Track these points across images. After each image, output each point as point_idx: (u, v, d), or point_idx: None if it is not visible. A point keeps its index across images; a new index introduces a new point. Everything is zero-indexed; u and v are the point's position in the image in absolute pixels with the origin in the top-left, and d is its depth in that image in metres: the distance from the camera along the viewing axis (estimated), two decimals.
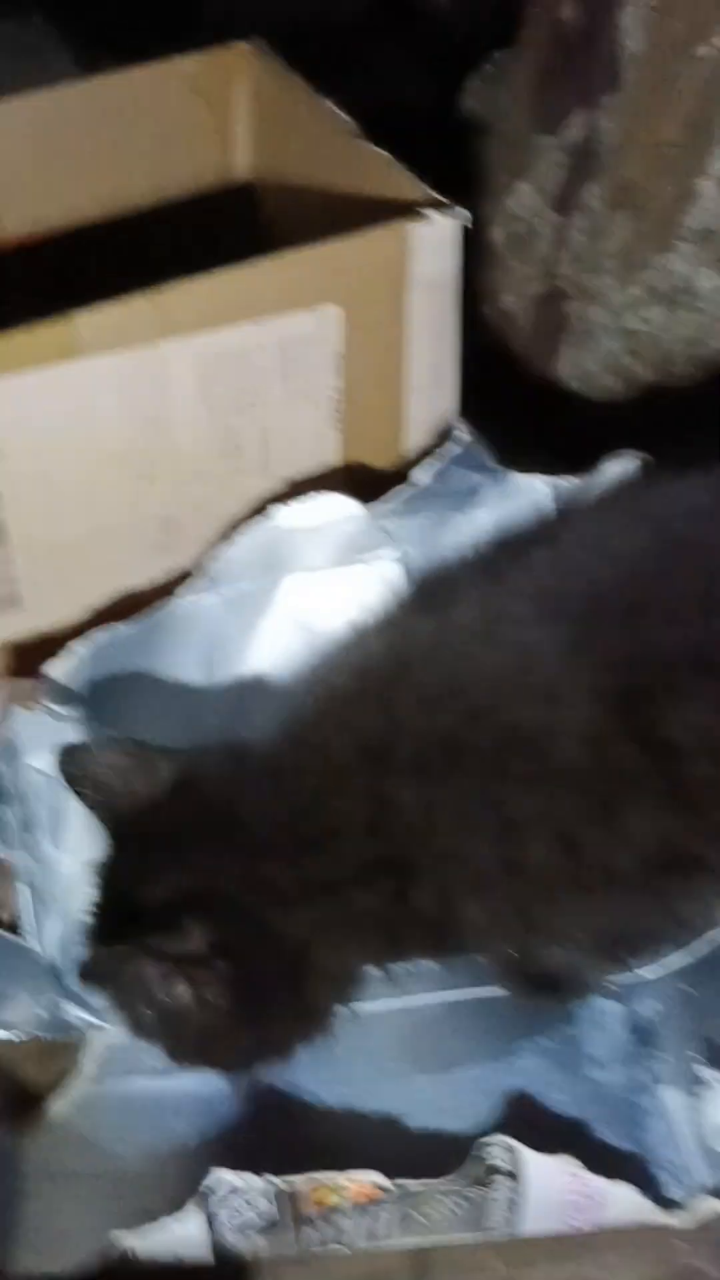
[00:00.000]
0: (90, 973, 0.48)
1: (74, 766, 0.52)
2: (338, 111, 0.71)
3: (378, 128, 0.72)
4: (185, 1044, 0.49)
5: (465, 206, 0.64)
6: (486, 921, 0.48)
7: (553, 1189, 0.47)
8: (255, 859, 0.48)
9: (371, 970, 0.51)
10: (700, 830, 0.47)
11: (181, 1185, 0.48)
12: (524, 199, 0.82)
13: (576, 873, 0.48)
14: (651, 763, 0.47)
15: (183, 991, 0.47)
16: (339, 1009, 0.50)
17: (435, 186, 0.65)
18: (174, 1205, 0.47)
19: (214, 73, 0.78)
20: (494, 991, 0.58)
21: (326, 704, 0.52)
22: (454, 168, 0.74)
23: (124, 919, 0.48)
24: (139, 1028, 0.49)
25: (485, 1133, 0.48)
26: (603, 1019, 0.57)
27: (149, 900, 0.48)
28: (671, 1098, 0.54)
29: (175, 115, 0.78)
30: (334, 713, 0.51)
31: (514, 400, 0.82)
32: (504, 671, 0.49)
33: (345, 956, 0.50)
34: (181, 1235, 0.46)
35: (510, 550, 0.56)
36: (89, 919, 0.50)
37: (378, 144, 0.69)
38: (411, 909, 0.48)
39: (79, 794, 0.52)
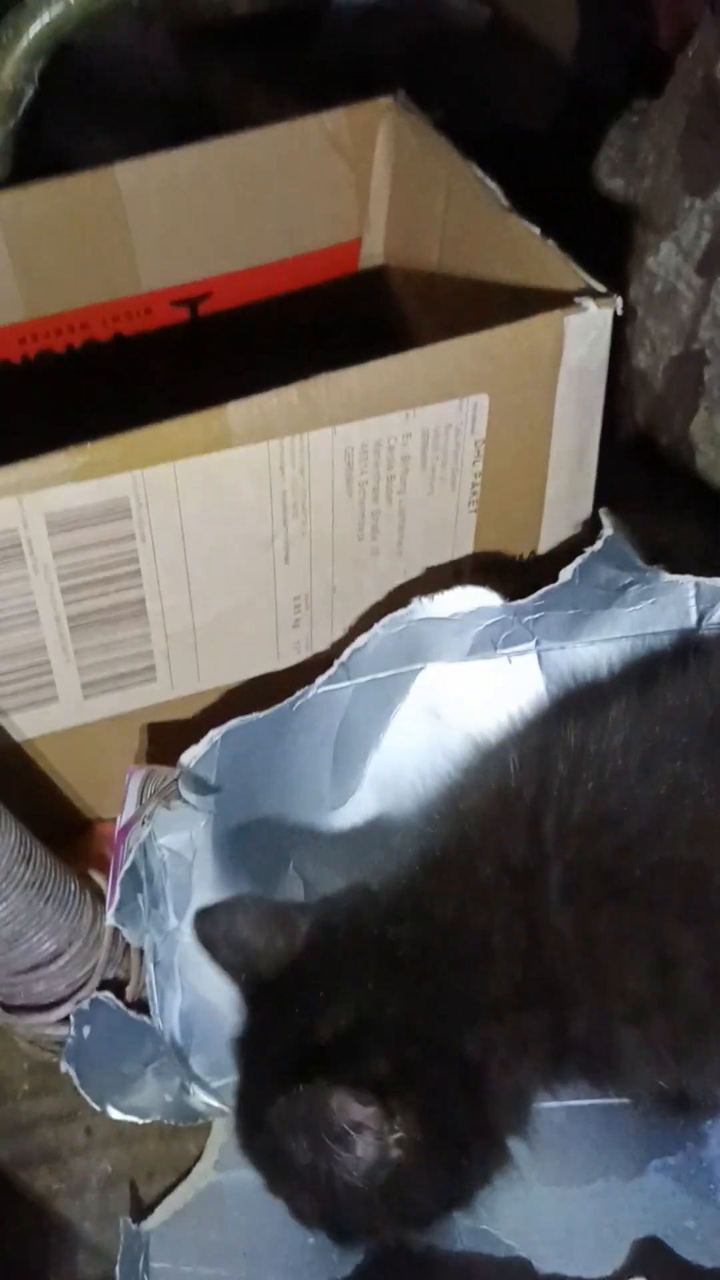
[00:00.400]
0: (278, 1122, 0.45)
1: (211, 929, 0.52)
2: (484, 178, 0.70)
3: (492, 154, 0.71)
4: (379, 1194, 0.46)
5: (595, 258, 0.63)
6: (642, 1052, 0.48)
7: None
8: (417, 985, 0.47)
9: (541, 1095, 0.50)
10: None
11: None
12: (665, 259, 0.80)
13: None
14: None
15: (384, 1126, 0.44)
16: (516, 1141, 0.49)
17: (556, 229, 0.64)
18: None
19: (356, 128, 0.77)
20: (619, 1100, 0.57)
21: (468, 826, 0.51)
22: (580, 214, 0.73)
23: (284, 1071, 0.46)
24: (327, 1191, 0.46)
25: (617, 1274, 0.47)
26: None
27: (317, 1039, 0.46)
28: None
29: (315, 172, 0.77)
30: (476, 836, 0.51)
31: (641, 460, 0.81)
32: (658, 803, 0.48)
33: (518, 1080, 0.48)
34: None
35: (660, 666, 0.55)
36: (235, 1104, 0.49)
37: (491, 173, 0.68)
38: (570, 1035, 0.47)
39: (214, 957, 0.52)
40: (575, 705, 0.55)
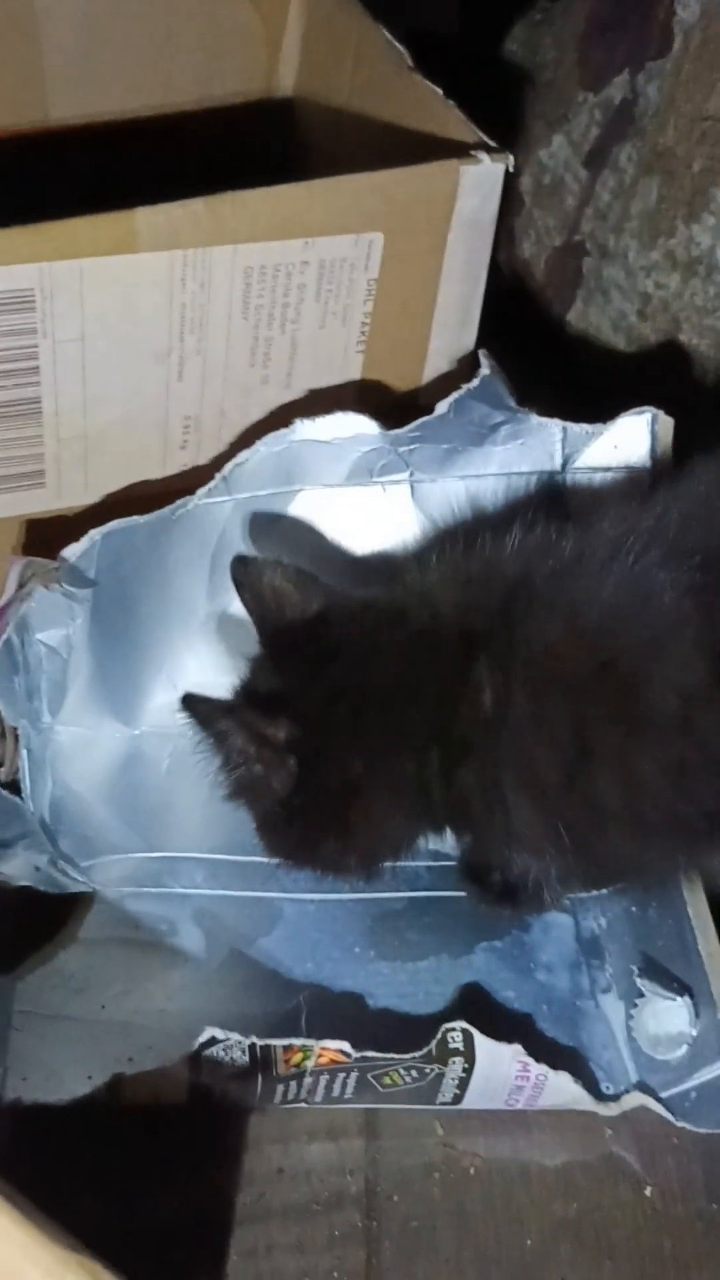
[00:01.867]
0: (196, 714, 0.54)
1: (244, 576, 0.59)
2: (392, 40, 0.72)
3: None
4: (255, 814, 0.57)
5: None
6: (531, 824, 0.52)
7: (500, 1072, 0.52)
8: (350, 693, 0.54)
9: (408, 835, 0.57)
10: None
11: (162, 1037, 0.52)
12: (556, 151, 0.84)
13: (633, 813, 0.51)
14: None
15: (254, 767, 0.54)
16: (383, 863, 0.58)
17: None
18: (153, 1053, 0.51)
19: None
20: (455, 894, 0.62)
21: (450, 578, 0.56)
22: (482, 105, 0.76)
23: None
24: (219, 784, 0.56)
25: (442, 1017, 0.52)
26: (553, 929, 0.61)
27: (257, 687, 0.56)
28: (610, 1005, 0.58)
29: (228, 20, 0.79)
30: (453, 588, 0.56)
31: (521, 344, 0.85)
32: (621, 604, 0.52)
33: (388, 809, 0.56)
34: (161, 1076, 0.50)
35: (636, 490, 0.60)
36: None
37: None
38: (452, 784, 0.53)
39: (242, 599, 0.59)
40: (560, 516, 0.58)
